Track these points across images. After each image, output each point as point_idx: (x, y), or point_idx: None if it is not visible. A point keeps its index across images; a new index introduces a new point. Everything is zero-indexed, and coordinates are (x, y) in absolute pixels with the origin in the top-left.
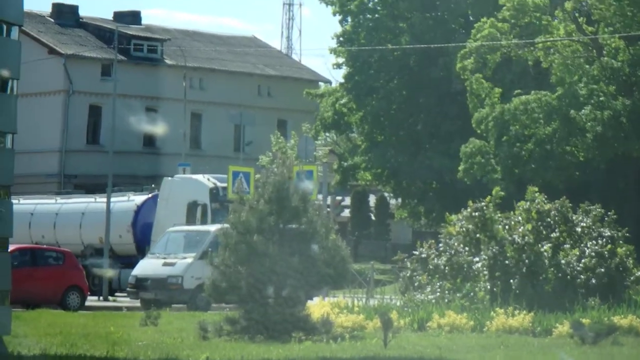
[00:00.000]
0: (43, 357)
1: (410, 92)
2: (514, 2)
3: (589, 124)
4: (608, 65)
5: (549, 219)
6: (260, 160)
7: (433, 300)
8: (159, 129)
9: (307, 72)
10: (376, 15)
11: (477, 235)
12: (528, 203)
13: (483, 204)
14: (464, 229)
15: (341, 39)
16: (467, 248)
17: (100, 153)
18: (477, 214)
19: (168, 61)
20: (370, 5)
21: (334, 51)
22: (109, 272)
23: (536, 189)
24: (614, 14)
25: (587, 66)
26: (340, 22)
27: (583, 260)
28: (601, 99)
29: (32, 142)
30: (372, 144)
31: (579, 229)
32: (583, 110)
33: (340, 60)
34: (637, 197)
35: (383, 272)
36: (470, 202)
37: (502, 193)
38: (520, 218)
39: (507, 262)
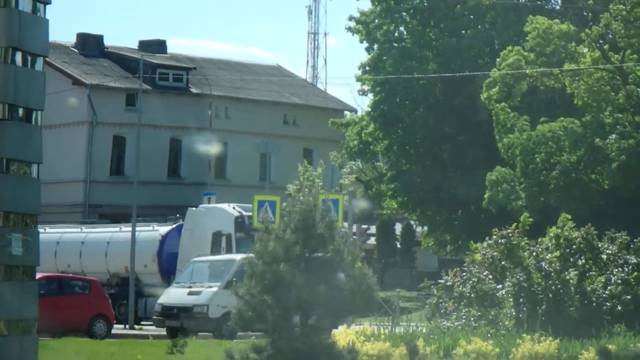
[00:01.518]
0: None
1: (435, 120)
2: (539, 31)
3: (613, 152)
4: (634, 94)
5: (574, 246)
6: (288, 189)
7: (459, 327)
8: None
9: (332, 101)
10: (402, 44)
11: (503, 262)
12: (559, 230)
13: (509, 231)
14: (488, 256)
15: (367, 67)
16: (491, 275)
17: (124, 184)
18: (503, 240)
19: (193, 90)
20: (396, 34)
21: (359, 79)
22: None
23: (569, 216)
24: (639, 41)
25: (613, 94)
26: (367, 50)
27: (609, 287)
28: (627, 128)
29: (58, 173)
30: (398, 173)
31: (604, 256)
32: (608, 140)
33: (366, 88)
34: None
35: (409, 299)
36: (495, 230)
37: (531, 219)
38: (549, 244)
39: (533, 288)
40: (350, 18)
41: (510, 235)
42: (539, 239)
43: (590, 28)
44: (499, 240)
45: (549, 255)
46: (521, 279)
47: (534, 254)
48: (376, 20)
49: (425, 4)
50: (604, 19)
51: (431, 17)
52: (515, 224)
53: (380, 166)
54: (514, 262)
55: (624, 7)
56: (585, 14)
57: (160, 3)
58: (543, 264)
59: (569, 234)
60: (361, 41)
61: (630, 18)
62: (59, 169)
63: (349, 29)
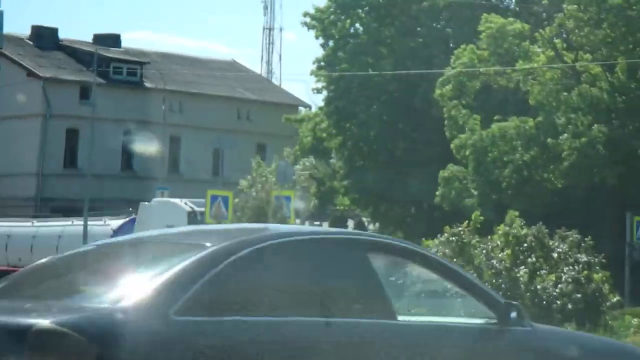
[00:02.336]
0: None
1: (390, 117)
2: (493, 30)
3: (565, 152)
4: (587, 93)
5: (525, 244)
6: (240, 185)
7: None
8: (146, 149)
9: (287, 96)
10: (358, 40)
11: (455, 260)
12: (507, 228)
13: (460, 228)
14: (440, 254)
15: (322, 63)
16: None
17: (77, 177)
18: (454, 238)
19: (147, 84)
20: (352, 30)
21: (314, 75)
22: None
23: (516, 213)
24: (593, 41)
25: (566, 93)
26: (322, 46)
27: (560, 286)
28: (579, 128)
29: (9, 165)
30: (351, 169)
31: (555, 255)
32: (560, 139)
33: (321, 84)
34: (613, 224)
35: None
36: (447, 228)
37: (482, 217)
38: (499, 242)
39: None
40: (306, 14)
41: (462, 232)
42: (490, 237)
43: (544, 28)
44: (450, 238)
45: (501, 253)
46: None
47: (485, 251)
48: (332, 17)
49: (381, 1)
50: (558, 19)
51: (387, 14)
52: (466, 221)
53: (333, 163)
54: (466, 260)
55: (577, 7)
56: (540, 12)
57: None
58: (494, 261)
59: (518, 231)
60: (317, 37)
61: (583, 17)
62: (11, 161)
63: (305, 24)
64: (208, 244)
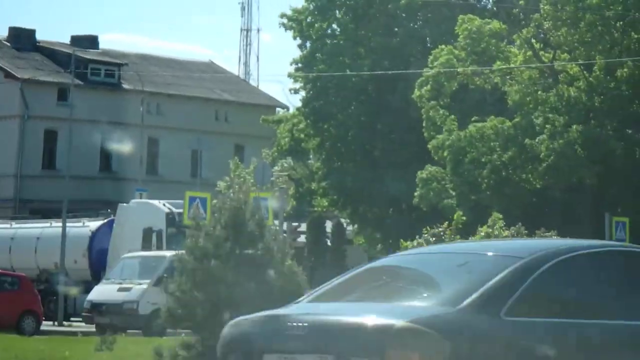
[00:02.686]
0: None
1: (368, 118)
2: (470, 30)
3: (543, 153)
4: (565, 93)
5: None
6: (218, 186)
7: None
8: (123, 148)
9: (264, 97)
10: (335, 41)
11: None
12: (489, 229)
13: (441, 229)
14: None
15: (299, 64)
16: None
17: (56, 178)
18: (434, 239)
19: (125, 86)
20: (329, 31)
21: (291, 76)
22: (72, 290)
23: (500, 215)
24: (570, 41)
25: (544, 93)
26: (300, 47)
27: None
28: (557, 128)
29: None
30: (329, 170)
31: None
32: (537, 139)
33: (298, 85)
34: (592, 224)
35: None
36: (426, 228)
37: (464, 218)
38: None
39: None
40: (282, 15)
41: (442, 233)
42: (470, 238)
43: (522, 28)
44: (430, 239)
45: None
46: None
47: None
48: (309, 18)
49: (359, 1)
50: (535, 19)
51: (364, 14)
52: (447, 222)
53: (311, 164)
54: None
55: (554, 7)
56: (517, 12)
57: None
58: None
59: (499, 233)
60: (294, 38)
61: (561, 17)
62: None
63: (282, 25)
64: (521, 255)
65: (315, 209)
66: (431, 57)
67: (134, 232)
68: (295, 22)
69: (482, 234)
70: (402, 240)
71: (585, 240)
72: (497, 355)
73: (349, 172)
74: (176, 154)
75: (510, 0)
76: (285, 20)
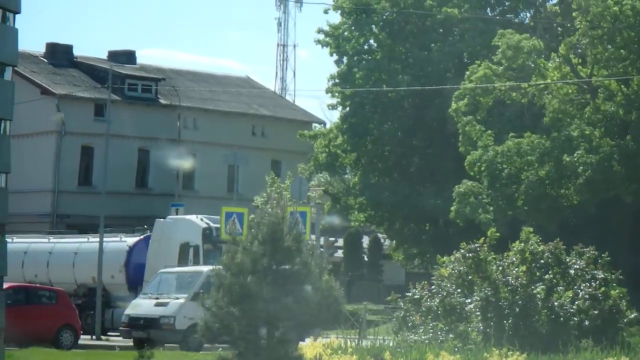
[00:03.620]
0: None
1: (404, 133)
2: (508, 44)
3: (580, 168)
4: (601, 108)
5: (542, 261)
6: (255, 201)
7: (426, 341)
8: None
9: (300, 113)
10: (372, 56)
11: (470, 276)
12: (522, 244)
13: (477, 245)
14: (456, 270)
15: (337, 80)
16: (459, 289)
17: (92, 194)
18: (470, 255)
19: (162, 101)
20: (366, 46)
21: (329, 92)
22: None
23: (531, 229)
24: (608, 57)
25: (581, 109)
26: (337, 62)
27: (576, 302)
28: (593, 143)
29: (25, 182)
30: (366, 186)
31: (572, 271)
32: (575, 154)
33: (335, 101)
34: (629, 240)
35: (376, 312)
36: (463, 244)
37: (498, 234)
38: (514, 259)
39: (500, 303)
40: (319, 31)
41: (478, 249)
42: (506, 254)
43: (559, 42)
44: (467, 255)
45: (516, 269)
46: (488, 293)
47: (501, 268)
48: (345, 33)
49: (395, 17)
50: (571, 36)
51: (401, 30)
52: (483, 238)
53: (348, 179)
54: (482, 277)
55: (590, 24)
56: (554, 27)
57: (130, 14)
58: (509, 278)
59: (535, 248)
60: (331, 54)
61: (597, 34)
62: (27, 178)
63: (318, 41)
64: None
65: (352, 223)
66: (468, 72)
67: (170, 247)
68: (332, 38)
69: (516, 249)
70: (439, 255)
71: None
72: None
73: (385, 187)
74: (213, 169)
75: (547, 16)
76: (321, 36)
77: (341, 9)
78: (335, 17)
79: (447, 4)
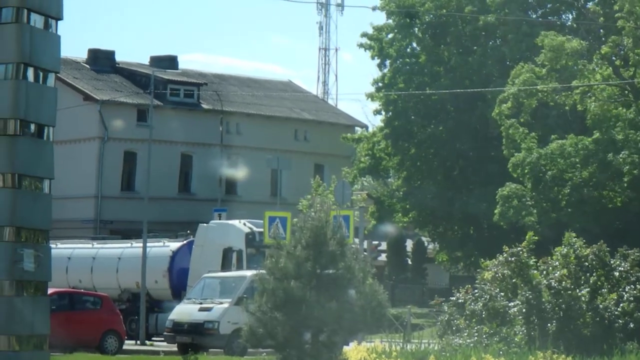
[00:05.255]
0: None
1: (448, 136)
2: (551, 46)
3: (626, 167)
4: None
5: (586, 264)
6: (300, 205)
7: (471, 345)
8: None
9: (343, 116)
10: (414, 59)
11: (514, 280)
12: (566, 248)
13: (519, 248)
14: (499, 274)
15: (379, 83)
16: (502, 293)
17: (135, 199)
18: (513, 259)
19: (204, 106)
20: (408, 49)
21: (371, 96)
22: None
23: (574, 234)
24: None
25: (624, 110)
26: (379, 66)
27: (621, 305)
28: (638, 144)
29: (69, 188)
30: (410, 189)
31: (616, 274)
32: (620, 155)
33: (378, 104)
34: None
35: (420, 316)
36: (505, 247)
37: (536, 237)
38: (557, 263)
39: (543, 306)
40: (363, 34)
41: (521, 252)
42: (549, 257)
43: (601, 43)
44: (509, 258)
45: (558, 272)
46: (531, 296)
47: (545, 272)
48: (389, 36)
49: (438, 20)
50: (612, 39)
51: (444, 33)
52: (525, 241)
53: (391, 182)
54: (525, 280)
55: (633, 25)
56: (597, 29)
57: (171, 19)
58: (552, 281)
59: (580, 251)
60: (373, 57)
61: None
62: (70, 184)
63: (361, 45)
64: None
65: (397, 223)
66: (511, 75)
67: (213, 252)
68: (375, 41)
69: (559, 254)
70: (482, 259)
71: None
72: None
73: (429, 190)
74: (255, 174)
75: (590, 17)
76: (365, 40)
77: (387, 9)
78: (379, 19)
79: (487, 8)
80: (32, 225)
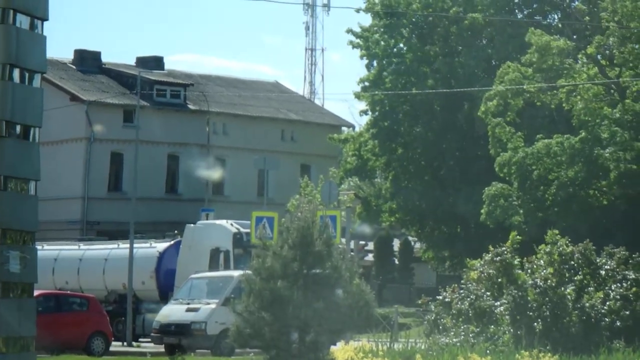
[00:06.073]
0: None
1: (434, 136)
2: (539, 44)
3: (612, 163)
4: (631, 109)
5: (572, 262)
6: (289, 205)
7: (458, 344)
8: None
9: (330, 116)
10: (400, 59)
11: (499, 279)
12: (549, 246)
13: (504, 248)
14: (485, 273)
15: (366, 83)
16: (488, 292)
17: (122, 200)
18: (498, 258)
19: (191, 106)
20: (395, 49)
21: (358, 95)
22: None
23: (557, 232)
24: (636, 57)
25: (609, 109)
26: (367, 66)
27: (608, 303)
28: (624, 140)
29: (55, 189)
30: (397, 190)
31: (603, 272)
32: (606, 151)
33: (365, 104)
34: None
35: (407, 315)
36: (490, 247)
37: (520, 237)
38: (542, 262)
39: (529, 305)
40: (349, 31)
41: (506, 252)
42: (534, 256)
43: (587, 43)
44: (494, 258)
45: (544, 271)
46: (516, 295)
47: (529, 271)
48: (376, 36)
49: (424, 20)
50: (597, 39)
51: (430, 34)
52: (509, 241)
53: (378, 182)
54: (510, 280)
55: (617, 25)
56: (582, 28)
57: (157, 20)
58: (538, 280)
59: (564, 249)
60: (362, 57)
61: (626, 34)
62: (57, 185)
63: (350, 42)
64: None
65: (383, 224)
66: (498, 74)
67: (201, 252)
68: (362, 39)
69: (542, 252)
70: (467, 259)
71: None
72: None
73: (416, 190)
74: (243, 174)
75: (575, 17)
76: (352, 37)
77: (372, 10)
78: (365, 20)
79: (473, 8)
80: (17, 227)
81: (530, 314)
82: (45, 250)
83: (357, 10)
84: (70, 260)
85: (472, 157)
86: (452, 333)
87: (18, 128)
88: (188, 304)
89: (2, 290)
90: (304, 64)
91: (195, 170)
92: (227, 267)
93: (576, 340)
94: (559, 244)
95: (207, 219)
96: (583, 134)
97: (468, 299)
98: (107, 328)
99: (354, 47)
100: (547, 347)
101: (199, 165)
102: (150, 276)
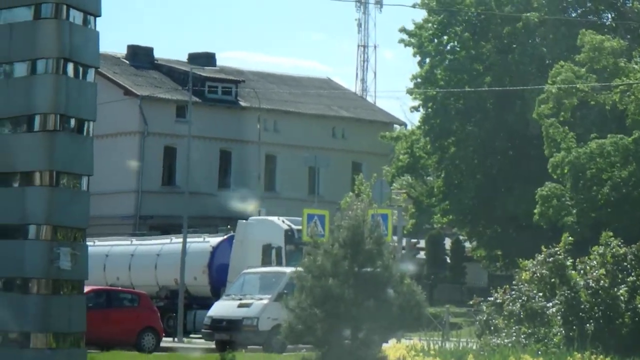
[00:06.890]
0: None
1: (487, 135)
2: (592, 44)
3: None
4: None
5: (625, 263)
6: (342, 203)
7: (509, 345)
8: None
9: (381, 114)
10: (454, 57)
11: (552, 280)
12: (602, 248)
13: (557, 249)
14: (538, 274)
15: (418, 80)
16: (541, 293)
17: (175, 194)
18: (551, 259)
19: (242, 103)
20: (448, 47)
21: (410, 92)
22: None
23: (611, 233)
24: None
25: None
26: (419, 63)
27: None
28: None
29: (108, 184)
30: (449, 189)
31: None
32: None
33: (417, 102)
34: None
35: (458, 315)
36: (543, 248)
37: (572, 239)
38: (595, 262)
39: (581, 306)
40: (402, 30)
41: (558, 253)
42: (587, 257)
43: None
44: (547, 259)
45: (596, 272)
46: (569, 296)
47: (582, 271)
48: (429, 33)
49: (477, 18)
50: None
51: (483, 31)
52: (562, 242)
53: (430, 181)
54: (563, 280)
55: None
56: (636, 27)
57: (209, 16)
58: (590, 281)
59: (617, 250)
60: (414, 55)
61: None
62: (110, 179)
63: (402, 41)
64: None
65: (434, 225)
66: (551, 74)
67: (253, 248)
68: (415, 37)
69: (596, 253)
70: (520, 259)
71: None
72: None
73: (468, 189)
74: (293, 171)
75: (629, 16)
76: (404, 36)
77: (427, 6)
78: (418, 16)
79: (527, 7)
80: (69, 224)
81: (583, 315)
82: (97, 246)
83: (414, 6)
84: (122, 256)
85: (524, 156)
86: (504, 334)
87: (72, 122)
88: (240, 299)
89: (53, 287)
90: (356, 60)
91: (247, 166)
92: (279, 263)
93: (628, 342)
94: (612, 245)
95: (259, 215)
96: (637, 134)
97: (520, 300)
98: (158, 324)
99: (405, 45)
100: (599, 349)
101: (250, 161)
102: (203, 271)
